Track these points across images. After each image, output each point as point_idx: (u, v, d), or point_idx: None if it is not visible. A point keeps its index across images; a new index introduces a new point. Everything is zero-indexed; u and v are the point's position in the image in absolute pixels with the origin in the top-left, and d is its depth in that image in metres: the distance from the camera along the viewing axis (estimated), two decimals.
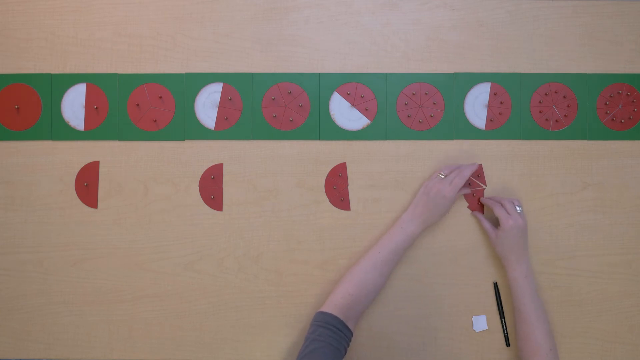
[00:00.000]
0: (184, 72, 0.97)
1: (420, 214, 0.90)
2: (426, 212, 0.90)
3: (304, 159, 0.96)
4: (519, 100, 0.97)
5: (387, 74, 0.97)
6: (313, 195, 0.96)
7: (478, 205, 0.96)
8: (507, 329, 0.95)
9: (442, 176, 0.90)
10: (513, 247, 0.89)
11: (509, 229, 0.88)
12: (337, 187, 0.96)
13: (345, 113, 0.97)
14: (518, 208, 0.90)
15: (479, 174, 0.96)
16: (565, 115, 0.97)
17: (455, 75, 0.97)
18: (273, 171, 0.96)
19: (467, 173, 0.90)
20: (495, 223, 0.93)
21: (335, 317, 0.82)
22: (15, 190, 0.96)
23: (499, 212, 0.90)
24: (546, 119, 0.96)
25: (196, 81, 0.96)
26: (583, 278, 0.96)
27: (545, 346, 0.85)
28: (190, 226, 0.96)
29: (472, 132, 0.97)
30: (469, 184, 0.95)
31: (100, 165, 0.96)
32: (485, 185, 0.96)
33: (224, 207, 0.96)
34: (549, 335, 0.87)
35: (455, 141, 0.97)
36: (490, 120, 0.97)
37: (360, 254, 0.95)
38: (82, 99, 0.96)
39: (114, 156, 0.96)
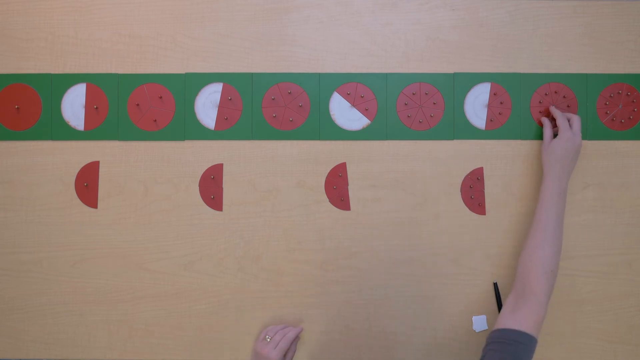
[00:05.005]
0: (184, 72, 0.97)
1: None
2: None
3: (304, 159, 0.96)
4: (519, 100, 0.97)
5: (387, 74, 0.97)
6: (313, 195, 0.96)
7: (547, 113, 0.96)
8: None
9: (268, 339, 0.89)
10: (561, 159, 0.88)
11: (565, 140, 0.88)
12: (337, 187, 0.96)
13: (345, 113, 0.97)
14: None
15: (478, 176, 0.96)
16: None
17: (455, 75, 0.97)
18: (273, 171, 0.96)
19: (291, 335, 0.89)
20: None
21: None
22: (15, 190, 0.96)
23: (561, 122, 0.90)
24: None
25: (196, 81, 0.96)
26: (583, 278, 0.96)
27: (547, 264, 0.82)
28: (190, 226, 0.96)
29: (472, 132, 0.97)
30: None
31: (100, 165, 0.96)
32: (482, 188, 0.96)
33: (224, 207, 0.96)
34: (556, 257, 0.83)
35: (455, 141, 0.97)
36: (490, 120, 0.97)
37: (360, 254, 0.95)
38: (82, 99, 0.96)
39: (114, 156, 0.96)
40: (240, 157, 0.96)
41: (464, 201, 0.96)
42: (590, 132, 0.97)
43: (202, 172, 0.96)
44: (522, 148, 0.97)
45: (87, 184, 0.96)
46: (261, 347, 0.88)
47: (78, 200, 0.96)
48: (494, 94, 0.96)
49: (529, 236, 0.87)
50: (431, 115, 0.97)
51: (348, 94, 0.96)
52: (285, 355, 0.89)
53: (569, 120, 0.92)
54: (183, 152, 0.96)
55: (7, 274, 0.96)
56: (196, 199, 0.96)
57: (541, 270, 0.81)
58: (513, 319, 0.77)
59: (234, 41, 0.97)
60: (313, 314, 0.96)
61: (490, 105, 0.97)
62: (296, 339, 0.92)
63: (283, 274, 0.96)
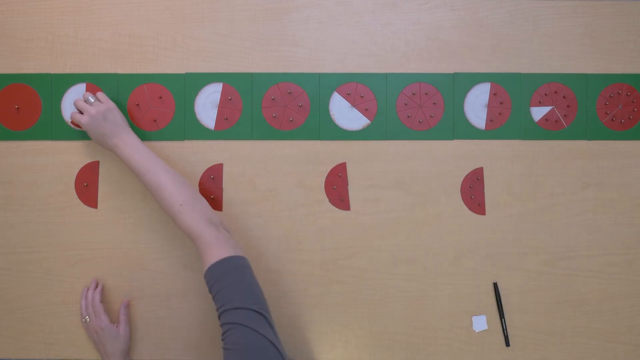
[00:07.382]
0: (184, 72, 0.97)
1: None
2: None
3: (304, 159, 0.96)
4: (519, 100, 0.97)
5: (387, 74, 0.97)
6: (313, 195, 0.96)
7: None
8: (507, 329, 0.95)
9: (87, 319, 0.92)
10: (105, 129, 0.88)
11: (86, 125, 0.88)
12: (337, 187, 0.96)
13: (345, 113, 0.97)
14: (91, 98, 0.89)
15: (478, 176, 0.96)
16: (565, 115, 0.97)
17: (455, 75, 0.97)
18: (273, 171, 0.96)
19: (97, 297, 0.92)
20: None
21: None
22: (15, 190, 0.96)
23: (75, 116, 0.89)
24: (546, 119, 0.97)
25: (196, 81, 0.96)
26: (583, 278, 0.96)
27: (175, 203, 0.82)
28: None
29: (472, 132, 0.97)
30: None
31: (100, 165, 0.96)
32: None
33: (224, 207, 0.96)
34: (178, 189, 0.82)
35: (455, 141, 0.97)
36: (490, 120, 0.97)
37: (360, 254, 0.95)
38: None
39: (114, 156, 0.96)
40: (240, 157, 0.96)
41: (464, 201, 0.96)
42: (590, 132, 0.97)
43: (202, 172, 0.96)
44: (522, 148, 0.97)
45: (87, 184, 0.96)
46: (88, 325, 0.91)
47: (78, 200, 0.96)
48: (494, 94, 0.96)
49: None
50: (431, 115, 0.97)
51: (348, 94, 0.96)
52: (119, 326, 0.92)
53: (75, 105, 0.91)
54: (183, 152, 0.96)
55: (7, 274, 0.96)
56: None
57: (179, 214, 0.81)
58: (210, 256, 0.77)
59: (234, 41, 0.97)
60: (313, 314, 0.96)
61: (490, 105, 0.97)
62: (128, 307, 0.95)
63: (283, 274, 0.96)
